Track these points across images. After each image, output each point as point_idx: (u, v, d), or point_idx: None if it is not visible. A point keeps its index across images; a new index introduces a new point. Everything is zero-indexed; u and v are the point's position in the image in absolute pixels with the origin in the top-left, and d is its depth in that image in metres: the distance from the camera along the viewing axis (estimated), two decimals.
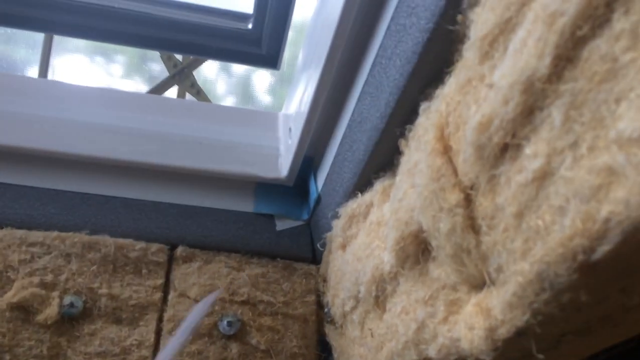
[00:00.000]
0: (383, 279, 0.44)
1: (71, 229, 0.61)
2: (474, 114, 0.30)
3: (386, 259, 0.43)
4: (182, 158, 0.66)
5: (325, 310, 0.60)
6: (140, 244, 0.63)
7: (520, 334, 0.29)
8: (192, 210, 0.67)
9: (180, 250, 0.64)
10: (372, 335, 0.47)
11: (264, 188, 0.69)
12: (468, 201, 0.32)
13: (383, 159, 0.49)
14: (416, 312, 0.39)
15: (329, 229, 0.61)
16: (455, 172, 0.33)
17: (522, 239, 0.28)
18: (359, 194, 0.53)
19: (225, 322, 0.61)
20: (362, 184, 0.52)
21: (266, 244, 0.67)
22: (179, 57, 1.74)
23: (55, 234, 0.61)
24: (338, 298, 0.56)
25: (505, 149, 0.29)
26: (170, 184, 0.67)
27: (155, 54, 1.72)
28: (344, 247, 0.56)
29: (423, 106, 0.41)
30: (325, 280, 0.66)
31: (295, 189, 0.69)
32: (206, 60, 1.68)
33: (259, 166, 0.67)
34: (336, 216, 0.58)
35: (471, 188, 0.32)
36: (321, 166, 0.64)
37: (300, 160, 0.65)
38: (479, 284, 0.33)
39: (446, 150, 0.35)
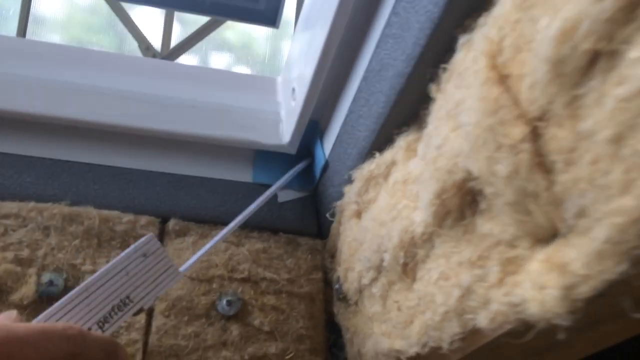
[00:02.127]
0: (414, 243, 0.39)
1: (50, 200, 0.55)
2: (549, 24, 0.25)
3: (419, 218, 0.37)
4: (174, 122, 0.59)
5: (336, 286, 0.55)
6: (128, 216, 0.56)
7: (610, 289, 0.24)
8: (186, 180, 0.60)
9: (172, 224, 0.58)
10: (398, 309, 0.42)
11: (264, 156, 0.63)
12: (535, 135, 0.27)
13: (407, 111, 0.43)
14: (459, 277, 0.34)
15: (339, 197, 0.55)
16: (516, 102, 0.28)
17: (621, 169, 0.22)
18: (377, 154, 0.47)
19: (224, 302, 0.55)
20: (381, 142, 0.46)
21: (267, 216, 0.61)
22: (157, 47, 1.67)
23: (31, 204, 0.54)
24: (352, 272, 0.50)
25: (596, 59, 0.23)
26: (162, 151, 0.61)
27: (133, 44, 1.65)
28: (359, 214, 0.51)
29: (462, 40, 0.35)
30: (333, 256, 0.60)
31: (298, 157, 0.63)
32: (186, 51, 1.62)
33: (258, 132, 0.61)
34: (348, 181, 0.52)
35: (540, 119, 0.27)
36: (328, 130, 0.58)
37: (304, 124, 0.59)
38: (546, 236, 0.28)
39: (502, 79, 0.29)
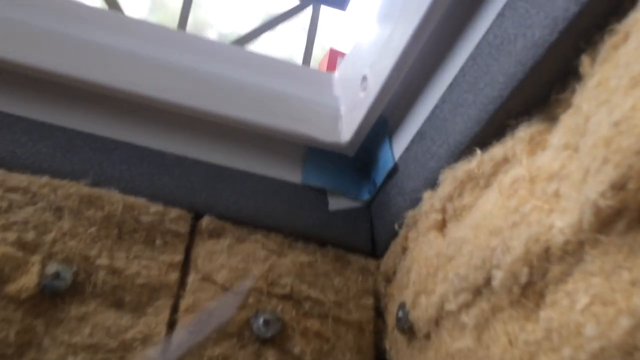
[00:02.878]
0: (547, 256, 0.30)
1: (67, 176, 0.46)
2: None
3: (561, 223, 0.29)
4: (219, 103, 0.51)
5: (399, 315, 0.45)
6: (157, 207, 0.47)
7: None
8: (226, 172, 0.51)
9: (207, 221, 0.49)
10: (510, 343, 0.32)
11: (317, 155, 0.54)
12: None
13: (533, 94, 0.35)
14: (631, 301, 0.25)
15: (410, 206, 0.46)
16: None
17: None
18: (477, 151, 0.38)
19: (261, 320, 0.46)
20: (487, 136, 0.38)
21: (315, 225, 0.52)
22: None
23: (44, 179, 0.45)
24: (429, 296, 0.41)
25: None
26: (202, 135, 0.52)
27: None
28: (442, 225, 0.42)
29: None
30: (388, 279, 0.51)
31: (357, 160, 0.54)
32: None
33: (313, 126, 0.53)
34: (429, 186, 0.43)
35: None
36: (401, 128, 0.50)
37: (372, 121, 0.50)
38: None
39: None
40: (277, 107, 0.53)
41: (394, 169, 0.49)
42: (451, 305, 0.38)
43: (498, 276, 0.33)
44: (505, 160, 0.36)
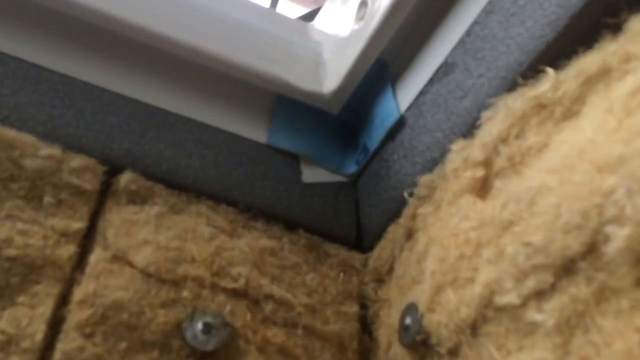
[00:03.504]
0: None
1: None
2: None
3: None
4: (164, 23, 0.36)
5: (406, 322, 0.31)
6: (51, 149, 0.32)
7: None
8: (164, 116, 0.36)
9: (127, 179, 0.33)
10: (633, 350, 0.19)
11: (290, 108, 0.40)
12: None
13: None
14: None
15: (419, 171, 0.33)
16: None
17: None
18: (549, 71, 0.26)
19: (199, 325, 0.30)
20: (552, 57, 0.26)
21: (282, 200, 0.37)
22: None
23: None
24: (460, 290, 0.27)
25: None
26: (135, 63, 0.37)
27: None
28: (481, 186, 0.28)
29: None
30: (380, 280, 0.37)
31: (342, 120, 0.41)
32: None
33: (287, 67, 0.39)
34: (457, 135, 0.30)
35: None
36: (407, 73, 0.37)
37: (369, 61, 0.37)
38: None
39: None
40: (243, 39, 0.39)
41: (399, 124, 0.36)
42: (509, 297, 0.24)
43: (618, 235, 0.20)
44: (605, 72, 0.23)
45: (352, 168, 0.40)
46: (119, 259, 0.31)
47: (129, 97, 0.36)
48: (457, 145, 0.30)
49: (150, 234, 0.32)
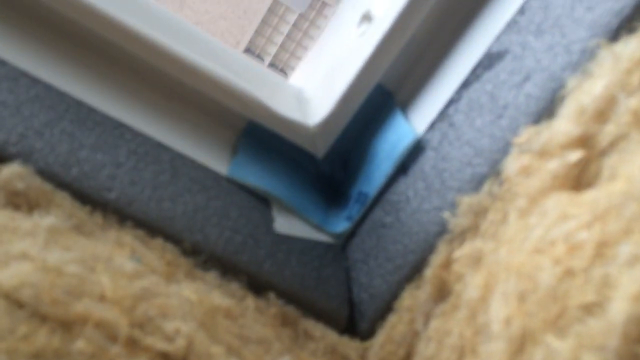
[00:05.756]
0: None
1: None
2: None
3: None
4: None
5: None
6: None
7: None
8: (93, 115, 0.25)
9: (10, 172, 0.21)
10: None
11: (262, 137, 0.30)
12: None
13: None
14: None
15: (447, 204, 0.23)
16: None
17: None
18: None
19: None
20: None
21: (245, 249, 0.25)
22: None
23: None
24: (567, 348, 0.16)
25: None
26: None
27: None
28: (576, 177, 0.19)
29: None
30: None
31: (327, 165, 0.31)
32: None
33: (265, 89, 0.30)
34: (525, 123, 0.21)
35: None
36: (417, 94, 0.29)
37: (368, 87, 0.29)
38: None
39: None
40: (217, 52, 0.30)
41: (416, 150, 0.26)
42: None
43: None
44: None
45: (341, 226, 0.29)
46: None
47: (46, 83, 0.25)
48: (524, 136, 0.21)
49: (32, 248, 0.19)
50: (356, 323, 0.26)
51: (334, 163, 0.31)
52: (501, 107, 0.23)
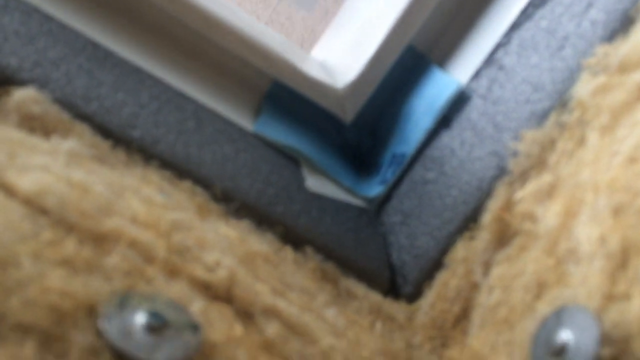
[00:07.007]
0: None
1: None
2: None
3: None
4: None
5: (564, 339, 0.15)
6: None
7: None
8: (114, 58, 0.23)
9: (24, 95, 0.19)
10: None
11: (287, 96, 0.28)
12: None
13: None
14: None
15: (498, 150, 0.21)
16: None
17: None
18: None
19: (140, 316, 0.13)
20: None
21: (279, 201, 0.23)
22: None
23: None
24: None
25: None
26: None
27: None
28: None
29: None
30: (443, 338, 0.21)
31: (354, 133, 0.29)
32: None
33: (290, 49, 0.28)
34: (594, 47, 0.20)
35: None
36: (452, 56, 0.27)
37: (400, 47, 0.28)
38: None
39: None
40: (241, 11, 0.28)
41: (460, 100, 0.25)
42: None
43: None
44: None
45: (375, 190, 0.27)
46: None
47: (60, 21, 0.23)
48: (598, 56, 0.19)
49: (53, 164, 0.16)
50: (399, 288, 0.24)
51: (362, 130, 0.29)
52: (561, 38, 0.22)
